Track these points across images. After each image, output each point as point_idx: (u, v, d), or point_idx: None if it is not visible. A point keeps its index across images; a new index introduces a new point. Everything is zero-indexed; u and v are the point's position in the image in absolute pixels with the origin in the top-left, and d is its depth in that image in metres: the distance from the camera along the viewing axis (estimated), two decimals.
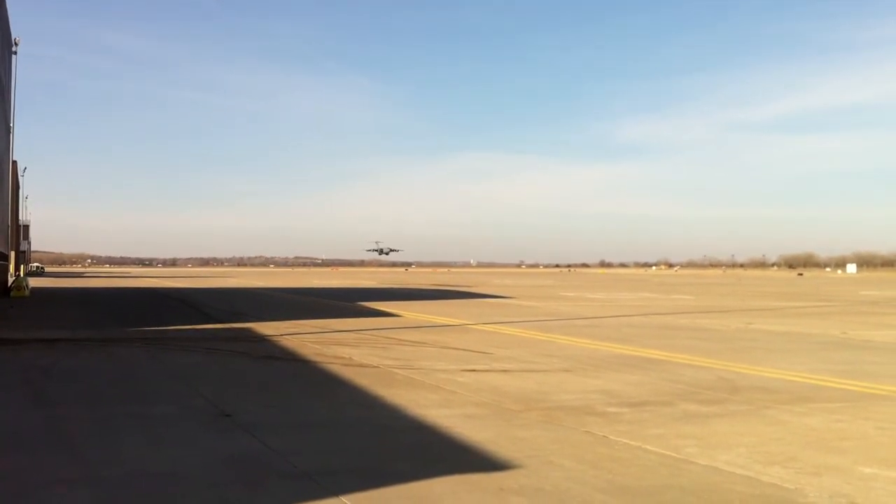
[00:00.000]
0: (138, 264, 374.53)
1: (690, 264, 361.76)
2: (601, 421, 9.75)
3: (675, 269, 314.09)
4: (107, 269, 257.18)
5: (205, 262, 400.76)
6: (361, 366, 14.65)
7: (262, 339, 19.61)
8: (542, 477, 7.08)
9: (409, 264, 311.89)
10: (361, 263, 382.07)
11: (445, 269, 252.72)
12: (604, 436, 8.91)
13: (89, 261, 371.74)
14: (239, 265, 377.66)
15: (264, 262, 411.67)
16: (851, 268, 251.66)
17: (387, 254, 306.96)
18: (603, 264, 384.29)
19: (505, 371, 14.21)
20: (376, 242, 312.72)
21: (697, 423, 9.72)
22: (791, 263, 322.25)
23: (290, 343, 18.61)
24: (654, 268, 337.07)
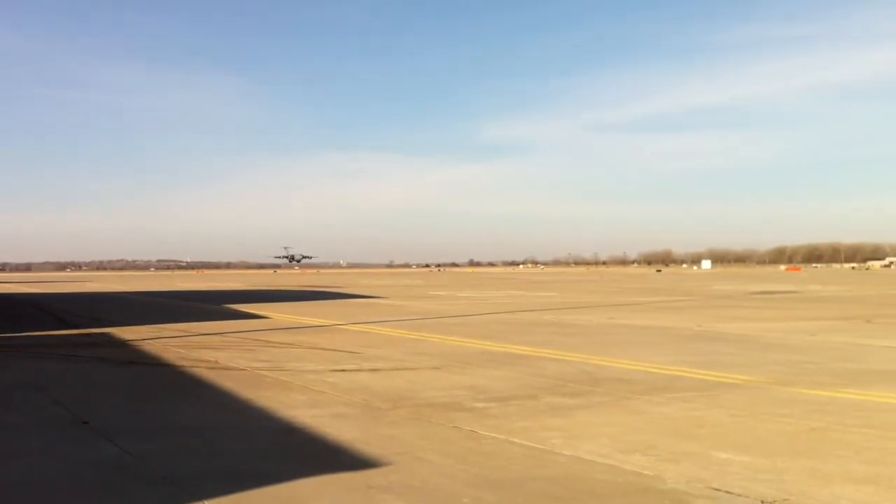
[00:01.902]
0: None
1: (556, 262, 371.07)
2: (469, 416, 9.86)
3: (541, 267, 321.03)
4: None
5: (62, 267, 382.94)
6: (227, 369, 14.36)
7: (122, 344, 18.94)
8: (410, 473, 7.11)
9: (276, 266, 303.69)
10: (228, 266, 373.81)
11: (314, 270, 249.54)
12: (471, 430, 9.02)
13: None
14: (99, 269, 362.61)
15: (126, 266, 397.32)
16: (706, 264, 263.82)
17: (298, 261, 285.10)
18: (472, 263, 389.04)
19: (374, 370, 14.20)
20: (285, 248, 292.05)
21: (562, 415, 9.96)
22: (650, 260, 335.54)
23: (152, 347, 18.04)
24: (521, 266, 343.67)
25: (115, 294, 56.97)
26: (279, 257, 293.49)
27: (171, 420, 9.81)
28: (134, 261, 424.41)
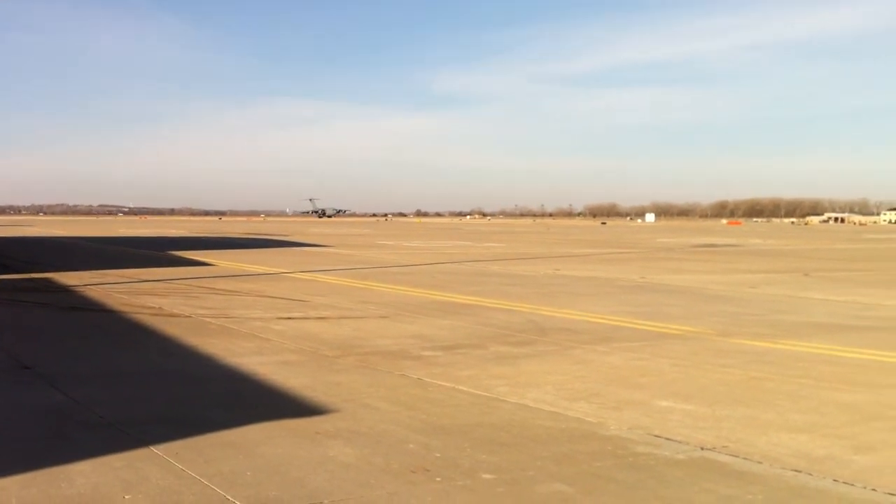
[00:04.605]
0: None
1: (503, 213, 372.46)
2: (416, 364, 9.93)
3: (488, 218, 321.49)
4: None
5: (0, 211, 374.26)
6: (172, 315, 14.22)
7: (64, 290, 18.62)
8: (358, 420, 7.15)
9: (222, 213, 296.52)
10: (171, 212, 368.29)
11: (261, 218, 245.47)
12: (419, 378, 9.08)
13: None
14: (38, 213, 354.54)
15: (66, 211, 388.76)
16: (650, 217, 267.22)
17: (330, 216, 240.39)
18: (419, 213, 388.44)
19: (321, 318, 14.18)
20: (310, 200, 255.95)
21: (508, 363, 10.07)
22: (595, 213, 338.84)
23: (95, 293, 17.77)
24: (468, 217, 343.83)
25: (56, 239, 55.89)
26: (306, 212, 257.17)
27: (116, 366, 9.71)
28: (75, 206, 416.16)
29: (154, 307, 15.30)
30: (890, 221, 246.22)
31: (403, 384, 8.80)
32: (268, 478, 5.55)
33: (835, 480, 5.71)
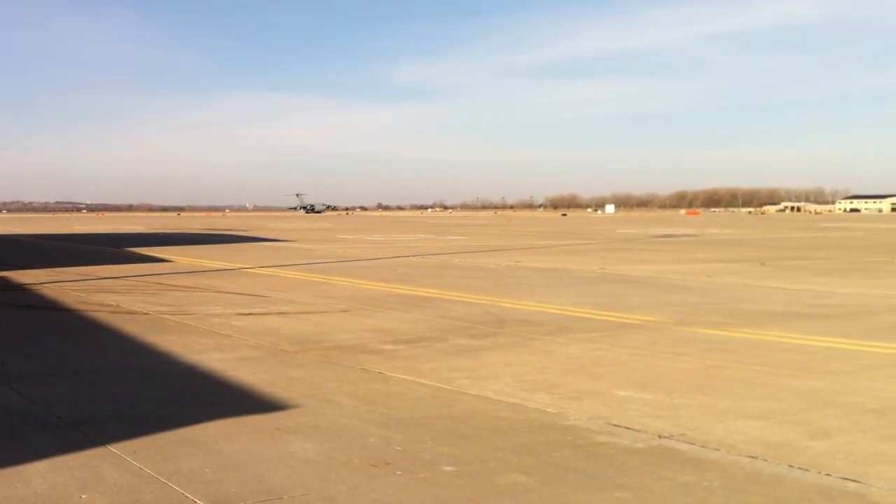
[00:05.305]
0: None
1: (464, 206, 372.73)
2: (377, 358, 9.92)
3: (450, 211, 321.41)
4: None
5: None
6: (130, 313, 14.06)
7: (18, 288, 18.33)
8: (318, 415, 7.13)
9: (181, 209, 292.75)
10: (130, 208, 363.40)
11: (221, 213, 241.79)
12: (379, 372, 9.08)
13: None
14: (0, 211, 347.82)
15: (22, 208, 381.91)
16: (610, 208, 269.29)
17: (319, 212, 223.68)
18: (381, 207, 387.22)
19: (282, 314, 14.11)
20: (297, 196, 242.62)
21: (468, 356, 10.10)
22: (556, 204, 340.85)
23: (51, 291, 17.52)
24: (429, 210, 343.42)
25: (10, 236, 54.92)
26: (293, 208, 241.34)
27: (73, 365, 9.60)
28: (31, 203, 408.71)
29: (111, 305, 15.12)
30: (845, 210, 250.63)
31: (364, 378, 8.79)
32: (227, 475, 5.51)
33: (790, 466, 5.80)
